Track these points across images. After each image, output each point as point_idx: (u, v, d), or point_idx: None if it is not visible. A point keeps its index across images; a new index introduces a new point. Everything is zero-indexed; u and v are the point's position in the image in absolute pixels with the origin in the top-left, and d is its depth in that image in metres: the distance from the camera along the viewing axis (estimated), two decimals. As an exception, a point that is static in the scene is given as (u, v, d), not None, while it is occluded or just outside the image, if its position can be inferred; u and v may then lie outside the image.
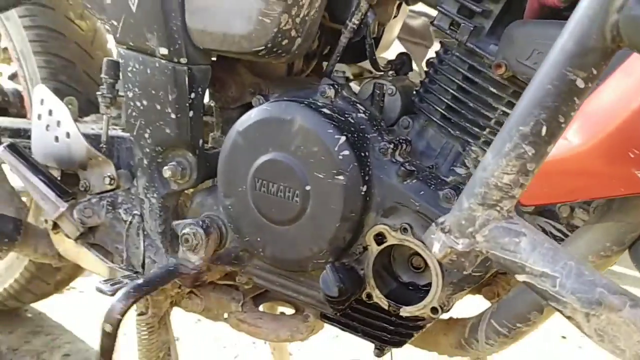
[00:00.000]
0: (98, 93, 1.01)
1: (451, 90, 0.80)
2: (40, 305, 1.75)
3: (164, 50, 0.89)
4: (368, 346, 0.88)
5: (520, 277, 0.46)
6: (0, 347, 1.54)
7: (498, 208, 0.47)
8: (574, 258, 0.44)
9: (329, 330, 1.77)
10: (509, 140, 0.45)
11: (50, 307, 1.76)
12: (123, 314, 0.82)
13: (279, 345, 1.41)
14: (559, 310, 0.45)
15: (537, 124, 0.43)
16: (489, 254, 0.48)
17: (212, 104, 1.06)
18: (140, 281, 0.84)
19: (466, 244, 0.48)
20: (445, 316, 0.88)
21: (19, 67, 1.32)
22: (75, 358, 1.54)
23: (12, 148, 1.00)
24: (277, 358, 1.39)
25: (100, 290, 0.85)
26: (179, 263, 0.89)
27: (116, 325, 0.82)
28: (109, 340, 0.82)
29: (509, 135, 0.45)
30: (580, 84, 0.42)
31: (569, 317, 0.44)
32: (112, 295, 0.85)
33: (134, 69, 0.93)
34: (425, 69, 0.85)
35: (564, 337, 2.01)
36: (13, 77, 1.69)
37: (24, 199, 1.26)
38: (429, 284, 0.81)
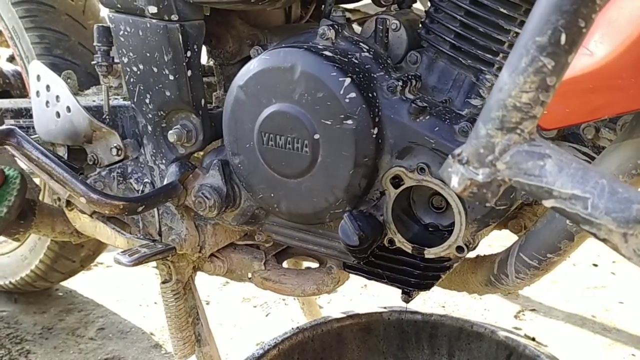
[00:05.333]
0: (93, 62, 0.98)
1: (459, 17, 0.75)
2: (70, 283, 1.77)
3: (153, 9, 0.85)
4: (398, 294, 0.86)
5: (548, 203, 0.42)
6: (34, 328, 1.57)
7: (518, 131, 0.43)
8: (605, 176, 0.40)
9: (357, 281, 1.77)
10: (525, 54, 0.41)
11: (80, 284, 1.78)
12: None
13: (308, 300, 1.41)
14: (592, 234, 0.42)
15: (555, 32, 0.39)
16: (513, 182, 0.44)
17: (212, 63, 1.03)
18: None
19: (487, 174, 0.45)
20: (471, 255, 0.86)
21: (13, 46, 1.29)
22: (110, 331, 1.57)
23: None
24: (307, 313, 1.40)
25: (119, 262, 0.84)
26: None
27: None
28: None
29: (525, 49, 0.41)
30: (600, -20, 0.37)
31: (604, 240, 0.41)
32: (131, 265, 0.84)
33: (126, 33, 0.89)
34: (429, -3, 0.80)
35: (595, 265, 1.99)
36: (12, 59, 1.67)
37: (35, 180, 1.25)
38: (453, 224, 0.78)
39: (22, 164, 0.85)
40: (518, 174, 0.43)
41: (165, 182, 0.89)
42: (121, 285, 1.79)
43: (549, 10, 0.39)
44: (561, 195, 0.41)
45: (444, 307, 1.73)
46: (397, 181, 0.77)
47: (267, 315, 1.68)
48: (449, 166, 0.47)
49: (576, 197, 0.41)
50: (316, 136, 0.77)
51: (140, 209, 0.82)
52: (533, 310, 1.74)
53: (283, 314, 1.68)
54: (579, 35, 0.39)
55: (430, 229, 0.81)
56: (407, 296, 0.84)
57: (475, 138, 0.45)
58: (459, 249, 0.76)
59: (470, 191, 0.46)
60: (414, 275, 0.82)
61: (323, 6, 1.06)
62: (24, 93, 1.52)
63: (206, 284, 1.59)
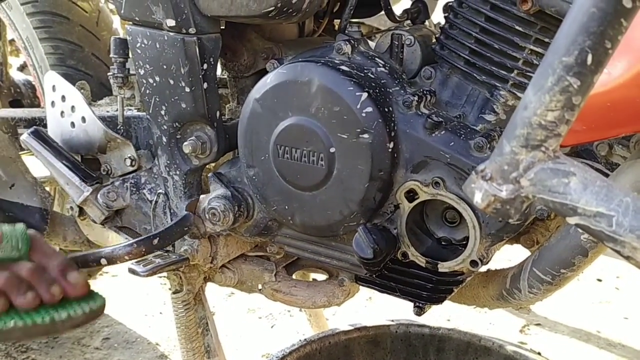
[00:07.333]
0: (109, 74, 0.99)
1: (474, 33, 0.76)
2: (75, 292, 1.77)
3: (171, 22, 0.86)
4: (402, 306, 0.86)
5: (573, 220, 0.43)
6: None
7: (543, 148, 0.44)
8: (630, 194, 0.41)
9: (363, 293, 1.77)
10: (552, 73, 0.42)
11: (85, 293, 1.78)
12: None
13: (315, 312, 1.41)
14: (616, 251, 0.42)
15: (581, 53, 0.40)
16: (536, 199, 0.45)
17: (226, 75, 1.04)
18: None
19: (511, 190, 0.45)
20: (483, 269, 0.86)
21: (26, 56, 1.30)
22: (115, 340, 1.57)
23: (36, 134, 0.99)
24: (314, 324, 1.40)
25: (134, 272, 0.84)
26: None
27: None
28: None
29: (552, 69, 0.42)
30: (627, 3, 0.38)
31: (628, 257, 0.42)
32: (146, 276, 0.85)
33: (143, 45, 0.90)
34: (444, 13, 0.81)
35: (599, 280, 1.99)
36: (22, 68, 1.68)
37: (47, 188, 1.25)
38: (466, 238, 0.79)
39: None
40: (542, 191, 0.44)
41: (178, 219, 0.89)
42: (127, 295, 1.79)
43: (575, 31, 0.40)
44: (586, 212, 0.42)
45: (449, 320, 1.73)
46: (411, 195, 0.78)
47: (272, 327, 1.68)
48: (472, 182, 0.47)
49: (601, 214, 0.41)
50: (332, 149, 0.77)
51: (155, 241, 0.82)
52: (538, 324, 1.74)
53: (288, 326, 1.68)
54: (605, 55, 0.40)
55: (443, 242, 0.82)
56: (419, 310, 0.84)
57: (499, 155, 0.46)
58: (473, 263, 0.76)
59: (493, 207, 0.46)
60: (427, 289, 0.83)
61: (336, 21, 1.08)
62: (34, 102, 1.53)
63: (212, 294, 1.59)
